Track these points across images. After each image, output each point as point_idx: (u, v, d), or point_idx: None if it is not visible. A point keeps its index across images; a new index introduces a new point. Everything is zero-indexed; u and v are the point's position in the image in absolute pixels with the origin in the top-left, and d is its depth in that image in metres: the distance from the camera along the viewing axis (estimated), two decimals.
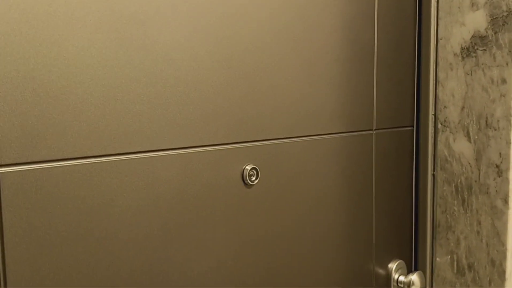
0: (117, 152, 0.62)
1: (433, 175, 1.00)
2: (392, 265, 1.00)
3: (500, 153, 0.90)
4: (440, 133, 0.99)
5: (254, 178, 0.74)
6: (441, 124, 0.98)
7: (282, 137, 0.79)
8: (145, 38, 0.64)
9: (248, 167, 0.74)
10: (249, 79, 0.74)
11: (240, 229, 0.75)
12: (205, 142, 0.69)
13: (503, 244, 0.91)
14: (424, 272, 1.02)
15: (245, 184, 0.74)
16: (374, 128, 0.95)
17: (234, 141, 0.72)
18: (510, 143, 0.89)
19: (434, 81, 0.99)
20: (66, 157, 0.59)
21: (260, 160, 0.76)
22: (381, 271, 0.99)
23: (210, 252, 0.72)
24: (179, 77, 0.67)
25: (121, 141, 0.62)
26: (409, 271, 1.02)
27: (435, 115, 0.99)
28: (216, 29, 0.70)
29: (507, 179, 0.90)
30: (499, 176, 0.90)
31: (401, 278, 0.99)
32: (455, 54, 0.95)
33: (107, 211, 0.62)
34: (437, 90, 0.99)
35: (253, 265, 0.77)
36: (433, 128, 1.00)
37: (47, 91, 0.57)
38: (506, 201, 0.90)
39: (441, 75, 0.98)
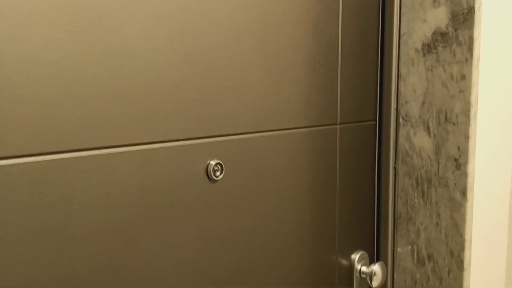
0: (74, 149, 0.61)
1: (395, 168, 1.03)
2: (355, 256, 1.02)
3: (458, 147, 0.93)
4: (401, 127, 1.01)
5: (218, 173, 0.75)
6: (403, 118, 1.00)
7: (247, 132, 0.79)
8: (104, 31, 0.62)
9: (213, 162, 0.74)
10: (212, 73, 0.74)
11: (205, 225, 0.75)
12: (167, 138, 0.69)
13: (461, 235, 0.94)
14: (386, 263, 1.04)
15: (210, 179, 0.74)
16: (338, 123, 0.96)
17: (197, 136, 0.72)
18: (468, 137, 0.92)
19: (396, 77, 1.01)
20: (21, 154, 0.57)
21: (225, 155, 0.76)
22: (344, 262, 1.01)
23: (174, 250, 0.72)
24: (139, 72, 0.66)
25: (78, 137, 0.61)
26: (371, 262, 1.04)
27: (397, 110, 1.02)
28: (178, 22, 0.69)
29: (465, 172, 0.92)
30: (458, 170, 0.93)
31: (364, 268, 1.02)
32: (416, 50, 0.97)
33: (64, 209, 0.61)
34: (399, 85, 1.01)
35: (218, 261, 0.78)
36: (395, 123, 1.02)
37: (1, 86, 0.55)
38: (464, 194, 0.93)
39: (403, 70, 1.00)
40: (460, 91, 0.92)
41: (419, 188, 0.99)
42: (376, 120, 1.04)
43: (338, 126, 0.96)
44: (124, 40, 0.64)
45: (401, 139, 1.01)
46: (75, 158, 0.61)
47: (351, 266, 1.02)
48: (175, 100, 0.70)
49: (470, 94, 0.91)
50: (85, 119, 0.61)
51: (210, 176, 0.74)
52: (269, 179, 0.84)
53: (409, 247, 1.02)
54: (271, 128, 0.83)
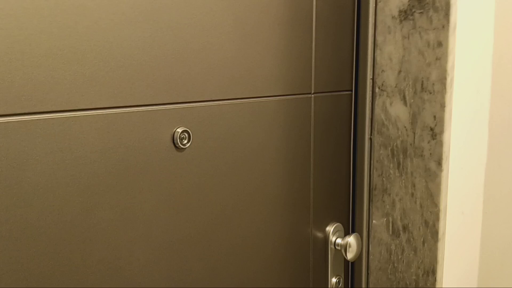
0: (26, 112, 0.57)
1: (370, 139, 1.01)
2: (330, 228, 1.00)
3: (434, 116, 0.91)
4: (377, 97, 0.99)
5: (186, 142, 0.72)
6: (379, 88, 0.98)
7: (216, 99, 0.76)
8: None
9: (179, 130, 0.70)
10: (178, 35, 0.70)
11: (172, 196, 0.72)
12: (130, 103, 0.65)
13: (436, 205, 0.93)
14: (361, 234, 1.03)
15: (177, 147, 0.71)
16: (312, 92, 0.93)
17: (162, 102, 0.69)
18: (444, 106, 0.90)
19: (373, 45, 0.98)
20: None
21: (192, 122, 0.73)
22: (318, 234, 0.99)
23: (138, 219, 0.68)
24: (97, 30, 0.62)
25: (31, 99, 0.57)
26: (346, 234, 1.03)
27: (373, 79, 0.99)
28: None
29: (441, 142, 0.91)
30: (433, 139, 0.92)
31: (338, 240, 1.00)
32: (393, 17, 0.95)
33: (17, 176, 0.57)
34: (375, 54, 0.98)
35: (185, 233, 0.75)
36: (370, 92, 1.00)
37: None
38: (439, 163, 0.92)
39: (379, 38, 0.97)
40: (436, 59, 0.90)
41: (395, 159, 0.98)
42: (352, 90, 1.02)
43: (313, 95, 0.93)
44: None
45: (377, 109, 0.99)
46: (27, 121, 0.57)
47: (325, 238, 1.01)
48: (137, 63, 0.65)
49: (446, 61, 0.89)
50: (37, 80, 0.57)
51: (176, 144, 0.71)
52: (240, 149, 0.81)
53: (384, 219, 1.01)
54: (242, 95, 0.80)
